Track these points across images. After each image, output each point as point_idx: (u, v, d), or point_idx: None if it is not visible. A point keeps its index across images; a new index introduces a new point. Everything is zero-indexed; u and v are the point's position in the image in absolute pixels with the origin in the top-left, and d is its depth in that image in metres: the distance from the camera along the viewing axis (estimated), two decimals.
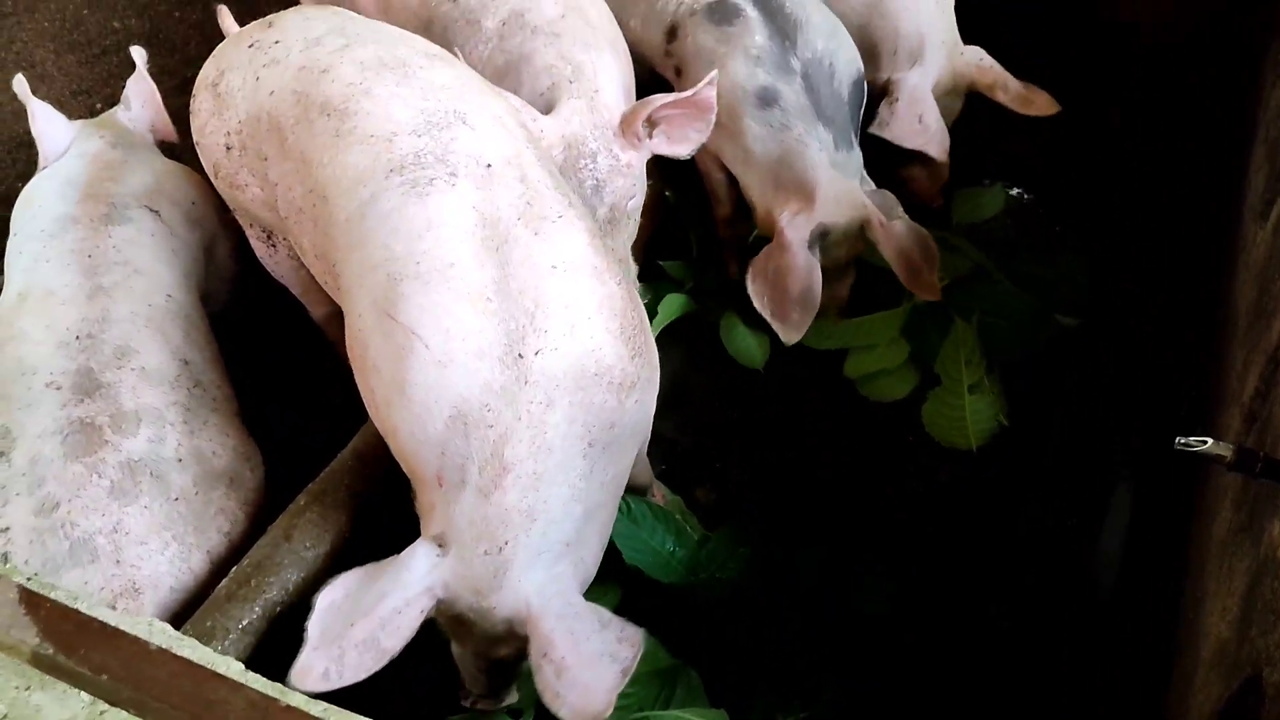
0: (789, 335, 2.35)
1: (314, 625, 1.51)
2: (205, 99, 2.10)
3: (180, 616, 1.84)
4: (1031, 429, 2.41)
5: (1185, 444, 1.43)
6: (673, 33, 2.51)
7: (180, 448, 1.96)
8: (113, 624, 0.73)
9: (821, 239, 2.38)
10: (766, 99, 2.38)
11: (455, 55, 2.04)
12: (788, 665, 1.99)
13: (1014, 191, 2.89)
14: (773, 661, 2.00)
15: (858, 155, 2.47)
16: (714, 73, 2.07)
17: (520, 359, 1.57)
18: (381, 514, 1.97)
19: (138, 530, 1.84)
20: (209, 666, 0.68)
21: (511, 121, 1.84)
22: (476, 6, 2.29)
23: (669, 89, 2.51)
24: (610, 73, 2.24)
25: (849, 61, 2.49)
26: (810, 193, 2.37)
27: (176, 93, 3.45)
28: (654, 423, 2.49)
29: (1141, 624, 2.08)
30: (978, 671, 2.04)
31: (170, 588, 1.86)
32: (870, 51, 2.67)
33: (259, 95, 1.96)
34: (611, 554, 2.05)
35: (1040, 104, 2.66)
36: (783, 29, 2.43)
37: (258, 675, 0.73)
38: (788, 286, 2.34)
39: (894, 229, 2.37)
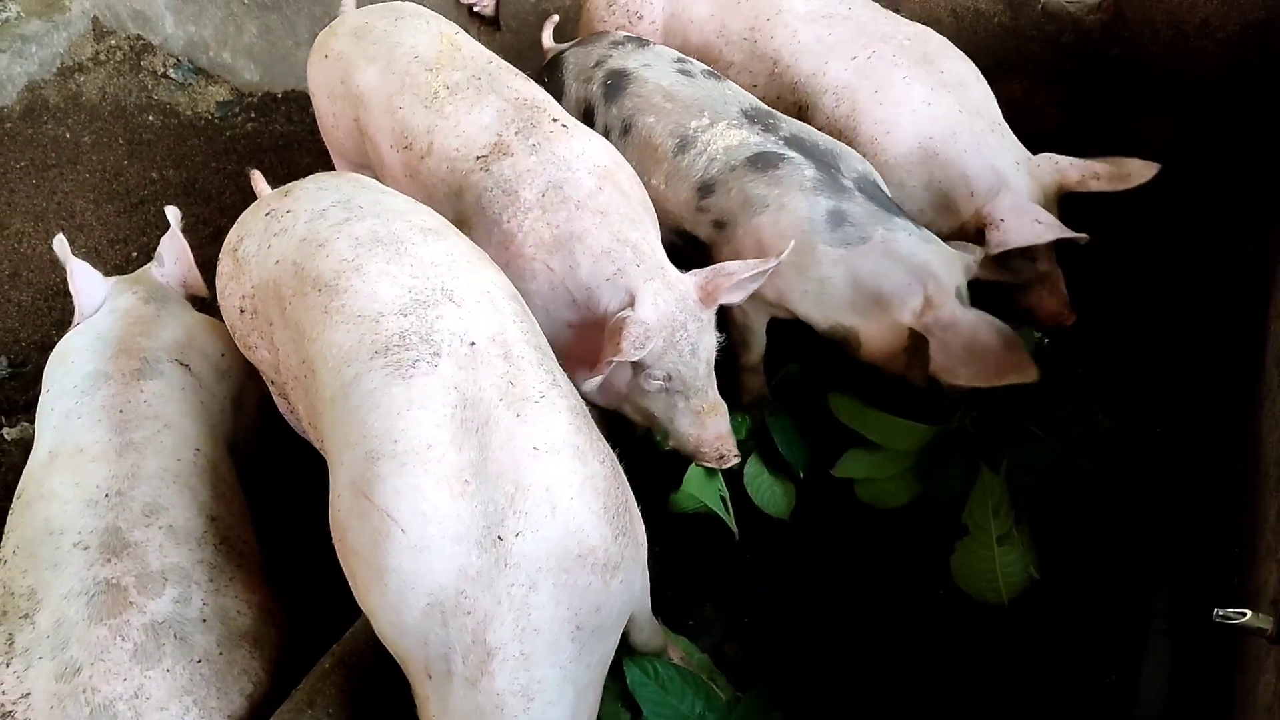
0: (1028, 375, 2.36)
1: None
2: (226, 263, 2.18)
3: None
4: (1063, 582, 2.36)
5: (1224, 616, 1.41)
6: (707, 189, 2.56)
7: (205, 607, 1.96)
8: None
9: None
10: (836, 219, 2.43)
11: (490, 223, 2.10)
12: None
13: (1035, 335, 2.90)
14: None
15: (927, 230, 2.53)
16: (792, 243, 2.29)
17: (499, 541, 1.56)
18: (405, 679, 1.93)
19: (159, 695, 1.82)
20: None
21: (500, 295, 1.87)
22: (512, 177, 2.34)
23: (695, 241, 2.61)
24: (658, 239, 2.36)
25: (873, 171, 2.59)
26: (925, 273, 2.41)
27: (210, 241, 3.56)
28: (673, 577, 2.49)
29: None
30: None
31: None
32: (946, 204, 2.71)
33: (268, 263, 2.02)
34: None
35: (1137, 172, 2.66)
36: (825, 161, 2.51)
37: None
38: (988, 342, 2.38)
39: (985, 258, 2.54)
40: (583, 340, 2.33)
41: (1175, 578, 2.31)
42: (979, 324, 2.41)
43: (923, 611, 2.38)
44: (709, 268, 2.33)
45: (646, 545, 1.85)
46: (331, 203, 2.04)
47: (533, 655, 1.54)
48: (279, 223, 2.07)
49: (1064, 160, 2.74)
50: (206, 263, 3.34)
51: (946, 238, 2.57)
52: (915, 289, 2.43)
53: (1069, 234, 2.57)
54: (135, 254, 3.63)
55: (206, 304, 2.76)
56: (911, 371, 2.51)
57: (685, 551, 2.43)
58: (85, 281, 2.56)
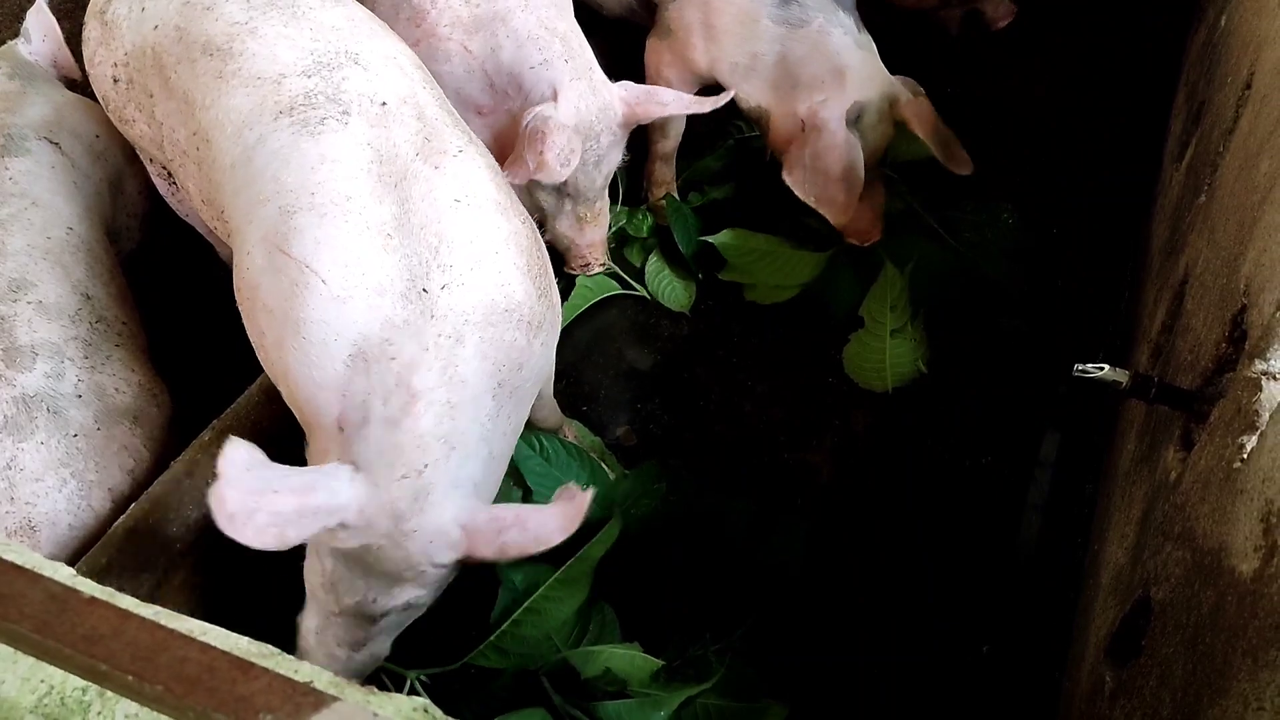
0: (838, 216, 2.37)
1: (231, 464, 1.40)
2: (94, 27, 2.03)
3: (81, 554, 1.80)
4: (954, 378, 2.41)
5: (1083, 370, 1.44)
6: None
7: (80, 384, 1.91)
8: None
9: (856, 121, 2.38)
10: None
11: None
12: (702, 601, 1.98)
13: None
14: (687, 597, 1.99)
15: (869, 37, 2.48)
16: (731, 92, 2.33)
17: (425, 294, 1.51)
18: (289, 452, 1.92)
19: (33, 467, 1.79)
20: (31, 567, 0.65)
21: (407, 62, 1.79)
22: None
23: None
24: (584, 40, 2.26)
25: None
26: (841, 76, 2.37)
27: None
28: (578, 363, 2.50)
29: (1059, 563, 2.09)
30: (891, 611, 2.05)
31: (69, 525, 1.81)
32: None
33: (144, 28, 1.88)
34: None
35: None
36: None
37: (88, 580, 0.69)
38: (830, 166, 2.35)
39: (922, 104, 2.42)
40: (494, 128, 2.25)
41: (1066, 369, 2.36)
42: (837, 146, 2.35)
43: (811, 399, 2.42)
44: (641, 87, 2.26)
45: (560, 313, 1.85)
46: None
47: (458, 405, 1.52)
48: None
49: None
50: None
51: None
52: (821, 87, 2.38)
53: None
54: (7, 39, 3.40)
55: (82, 88, 2.61)
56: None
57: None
58: None
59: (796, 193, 2.39)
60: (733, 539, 2.09)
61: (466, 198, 1.60)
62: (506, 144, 2.19)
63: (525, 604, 1.86)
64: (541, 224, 2.36)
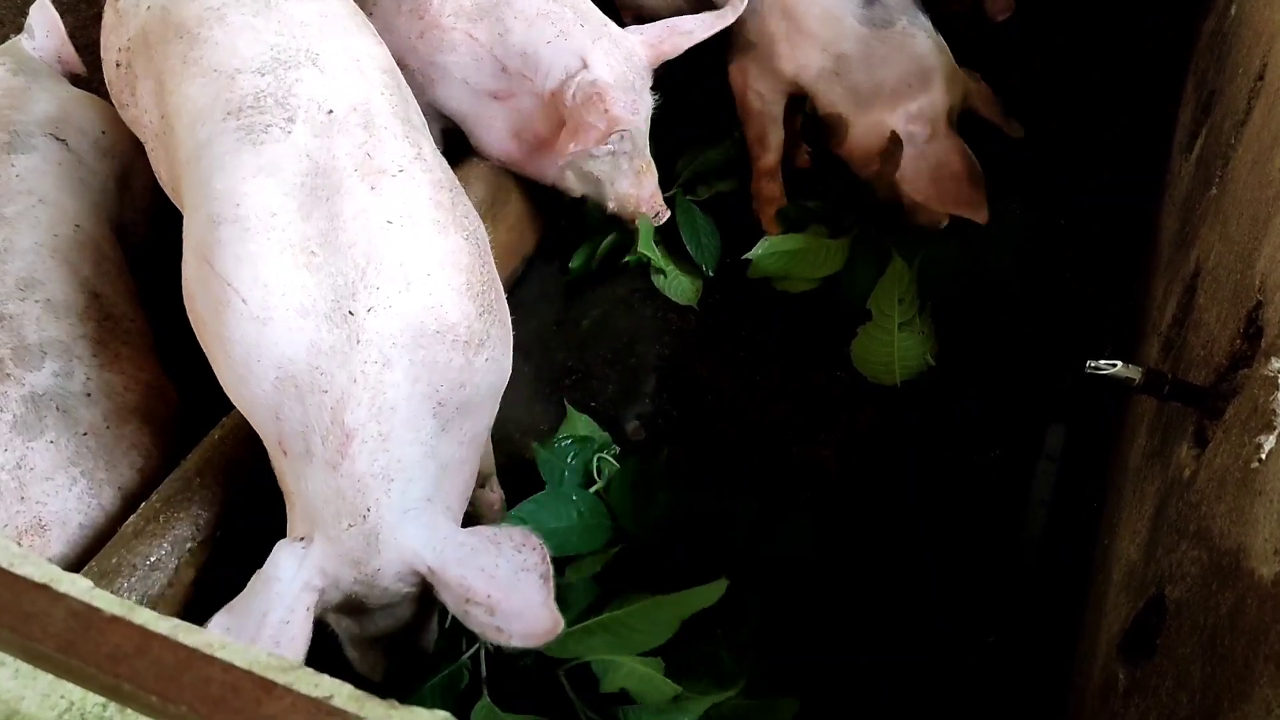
0: (980, 214, 2.35)
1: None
2: (109, 13, 2.05)
3: (92, 554, 1.80)
4: (961, 372, 2.40)
5: (1095, 367, 1.43)
6: None
7: (89, 382, 1.91)
8: None
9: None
10: None
11: None
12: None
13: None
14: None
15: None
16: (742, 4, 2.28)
17: (350, 316, 1.48)
18: None
19: (43, 466, 1.79)
20: (46, 582, 0.65)
21: (370, 65, 1.75)
22: None
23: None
24: None
25: None
26: (929, 79, 2.37)
27: (95, 22, 3.32)
28: (586, 358, 2.49)
29: (1065, 557, 2.09)
30: (897, 606, 2.05)
31: (79, 524, 1.82)
32: None
33: (140, 10, 1.89)
34: None
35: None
36: None
37: (105, 593, 0.69)
38: (957, 171, 2.35)
39: (984, 89, 2.47)
40: (513, 112, 2.25)
41: (1072, 363, 2.36)
42: (955, 149, 2.38)
43: (820, 393, 2.41)
44: (659, 23, 2.26)
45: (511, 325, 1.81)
46: None
47: (390, 434, 1.49)
48: None
49: None
50: (91, 45, 3.14)
51: None
52: (910, 92, 2.37)
53: None
54: (14, 35, 3.38)
55: (90, 86, 2.60)
56: (880, 179, 2.47)
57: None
58: None
59: (931, 205, 2.39)
60: (738, 535, 2.09)
61: (400, 218, 1.55)
62: (536, 124, 2.22)
63: (603, 617, 1.84)
64: (600, 204, 2.40)
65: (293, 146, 1.56)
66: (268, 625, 1.44)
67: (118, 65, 1.98)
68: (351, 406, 1.47)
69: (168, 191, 1.94)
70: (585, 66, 2.13)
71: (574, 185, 2.37)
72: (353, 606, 1.60)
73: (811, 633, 1.99)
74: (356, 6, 1.91)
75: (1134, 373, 1.40)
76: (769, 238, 2.61)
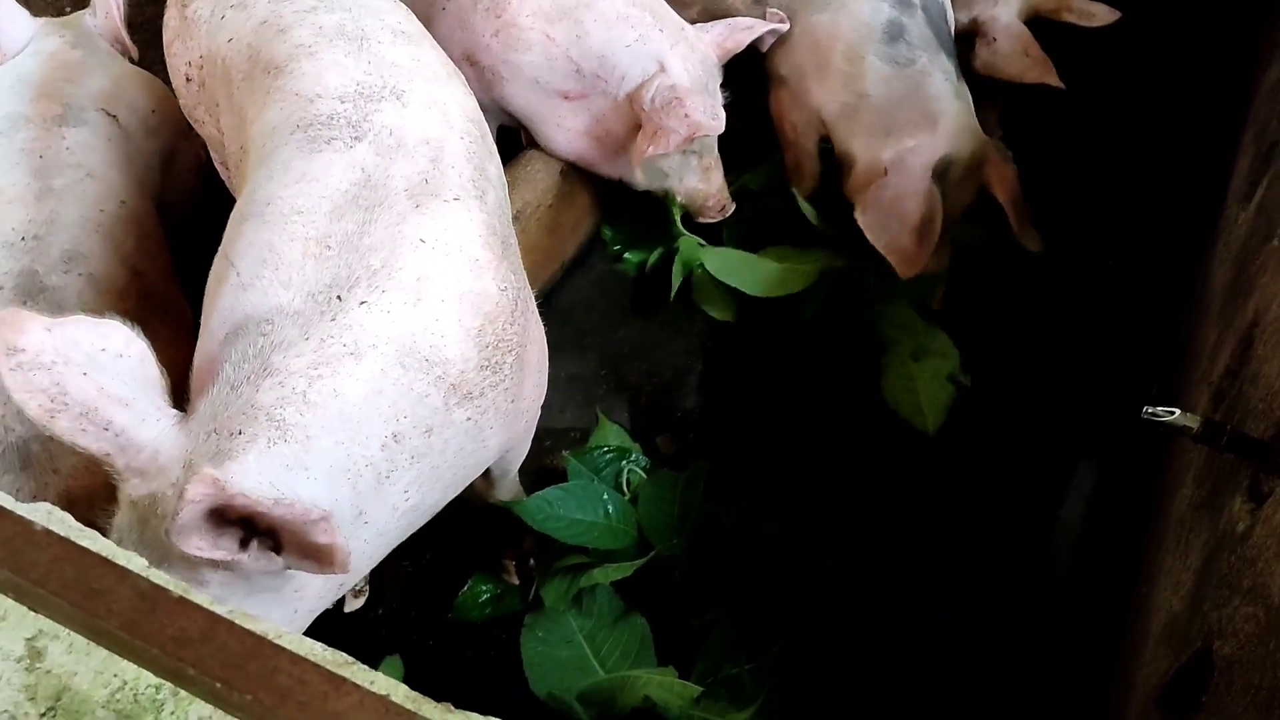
0: (906, 268, 2.29)
1: (80, 325, 1.28)
2: (173, 15, 2.03)
3: None
4: (995, 406, 2.38)
5: (1153, 414, 1.40)
6: None
7: None
8: (5, 505, 0.67)
9: (941, 175, 2.33)
10: (894, 33, 2.35)
11: None
12: (737, 617, 1.96)
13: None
14: (722, 613, 1.97)
15: (967, 87, 2.46)
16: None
17: (338, 300, 1.36)
18: None
19: None
20: (106, 555, 0.63)
21: (455, 112, 1.69)
22: None
23: None
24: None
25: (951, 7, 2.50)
26: (934, 122, 2.34)
27: (148, 4, 3.34)
28: (620, 368, 2.47)
29: (1097, 599, 2.06)
30: (929, 639, 2.02)
31: (107, 499, 1.80)
32: None
33: (219, 38, 1.86)
34: None
35: (1101, 15, 2.69)
36: None
37: (159, 572, 0.68)
38: (907, 212, 2.29)
39: (1008, 171, 2.40)
40: (585, 112, 2.28)
41: (1110, 402, 2.33)
42: (921, 196, 2.29)
43: (852, 421, 2.39)
44: (721, 23, 2.32)
45: (533, 414, 1.75)
46: None
47: (319, 408, 1.29)
48: None
49: None
50: (145, 22, 3.15)
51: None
52: (913, 133, 2.33)
53: (1053, 80, 2.59)
54: (68, 8, 3.40)
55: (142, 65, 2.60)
56: None
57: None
58: (8, 20, 2.38)
59: (867, 235, 2.33)
60: (765, 555, 2.07)
61: (436, 241, 1.46)
62: (610, 124, 2.26)
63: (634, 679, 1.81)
64: (672, 198, 2.45)
65: (350, 158, 1.51)
66: (94, 386, 1.25)
67: (188, 80, 1.99)
68: (285, 352, 1.31)
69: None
70: (663, 70, 2.15)
71: (642, 181, 2.41)
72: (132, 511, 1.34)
73: (837, 656, 1.97)
74: (449, 60, 1.87)
75: (1192, 421, 1.37)
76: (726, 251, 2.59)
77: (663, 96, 2.14)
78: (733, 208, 2.51)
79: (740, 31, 2.31)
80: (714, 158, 2.43)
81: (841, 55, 2.37)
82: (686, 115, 2.12)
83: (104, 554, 0.64)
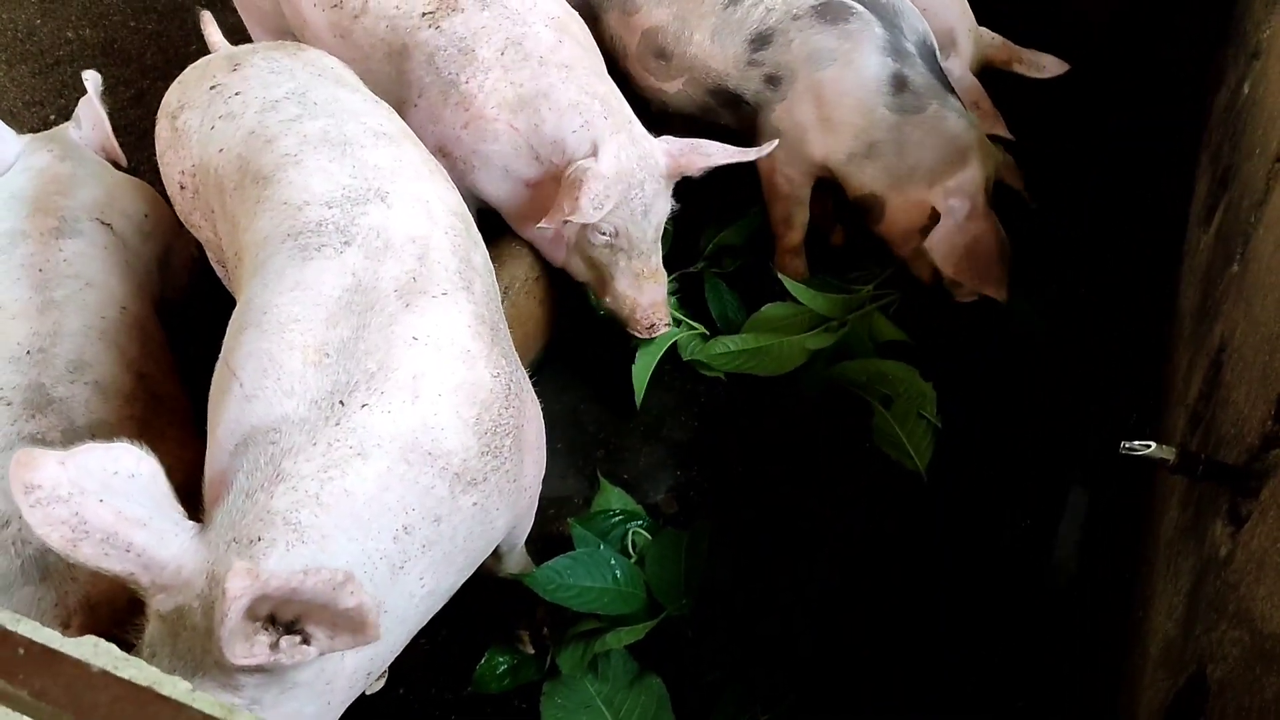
0: (1004, 292, 2.43)
1: (91, 454, 1.29)
2: (164, 127, 2.10)
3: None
4: (982, 436, 2.43)
5: (1130, 448, 1.46)
6: (762, 41, 2.51)
7: None
8: (54, 646, 0.72)
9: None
10: (899, 84, 2.43)
11: (446, 83, 2.15)
12: (749, 671, 2.00)
13: None
14: (734, 670, 2.01)
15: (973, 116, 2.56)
16: (774, 142, 2.31)
17: (340, 406, 1.43)
18: None
19: None
20: (153, 687, 0.68)
21: (440, 208, 1.77)
22: (466, 34, 2.27)
23: (737, 102, 2.61)
24: (622, 97, 2.32)
25: (931, 35, 2.57)
26: (966, 156, 2.42)
27: (132, 104, 3.43)
28: (618, 430, 2.51)
29: (1094, 624, 2.10)
30: (932, 673, 2.06)
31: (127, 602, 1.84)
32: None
33: (210, 148, 1.94)
34: None
35: (1050, 66, 2.78)
36: (888, 18, 2.47)
37: (204, 695, 0.72)
38: (989, 247, 2.42)
39: (1011, 162, 2.57)
40: (539, 195, 2.32)
41: (1094, 427, 2.39)
42: (992, 228, 2.44)
43: (847, 468, 2.44)
44: (686, 140, 2.30)
45: (535, 490, 1.80)
46: (285, 94, 1.93)
47: (331, 509, 1.36)
48: (225, 104, 1.96)
49: (999, 38, 2.82)
50: (128, 125, 3.24)
51: None
52: (954, 169, 2.43)
53: (1003, 131, 2.70)
54: (53, 117, 3.47)
55: (133, 169, 2.67)
56: (918, 259, 2.54)
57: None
58: None
59: (961, 280, 2.44)
60: (760, 611, 2.11)
61: (428, 338, 1.53)
62: (549, 203, 2.25)
63: None
64: (600, 292, 2.42)
65: (340, 264, 1.57)
66: (112, 512, 1.27)
67: (182, 188, 2.06)
68: (296, 458, 1.37)
69: None
70: (593, 154, 2.19)
71: (578, 271, 2.43)
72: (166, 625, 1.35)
73: (848, 703, 2.00)
74: (431, 156, 1.96)
75: (1168, 454, 1.43)
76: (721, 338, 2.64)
77: (575, 172, 2.16)
78: (664, 329, 2.41)
79: (698, 154, 2.26)
80: (650, 267, 2.36)
81: (851, 109, 2.43)
82: (577, 197, 2.11)
83: (151, 685, 0.69)
